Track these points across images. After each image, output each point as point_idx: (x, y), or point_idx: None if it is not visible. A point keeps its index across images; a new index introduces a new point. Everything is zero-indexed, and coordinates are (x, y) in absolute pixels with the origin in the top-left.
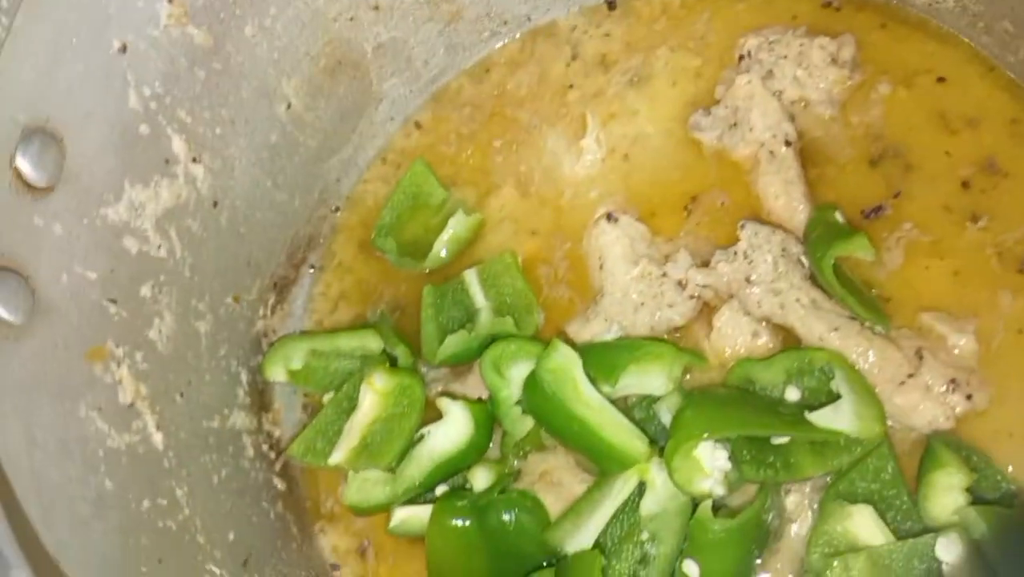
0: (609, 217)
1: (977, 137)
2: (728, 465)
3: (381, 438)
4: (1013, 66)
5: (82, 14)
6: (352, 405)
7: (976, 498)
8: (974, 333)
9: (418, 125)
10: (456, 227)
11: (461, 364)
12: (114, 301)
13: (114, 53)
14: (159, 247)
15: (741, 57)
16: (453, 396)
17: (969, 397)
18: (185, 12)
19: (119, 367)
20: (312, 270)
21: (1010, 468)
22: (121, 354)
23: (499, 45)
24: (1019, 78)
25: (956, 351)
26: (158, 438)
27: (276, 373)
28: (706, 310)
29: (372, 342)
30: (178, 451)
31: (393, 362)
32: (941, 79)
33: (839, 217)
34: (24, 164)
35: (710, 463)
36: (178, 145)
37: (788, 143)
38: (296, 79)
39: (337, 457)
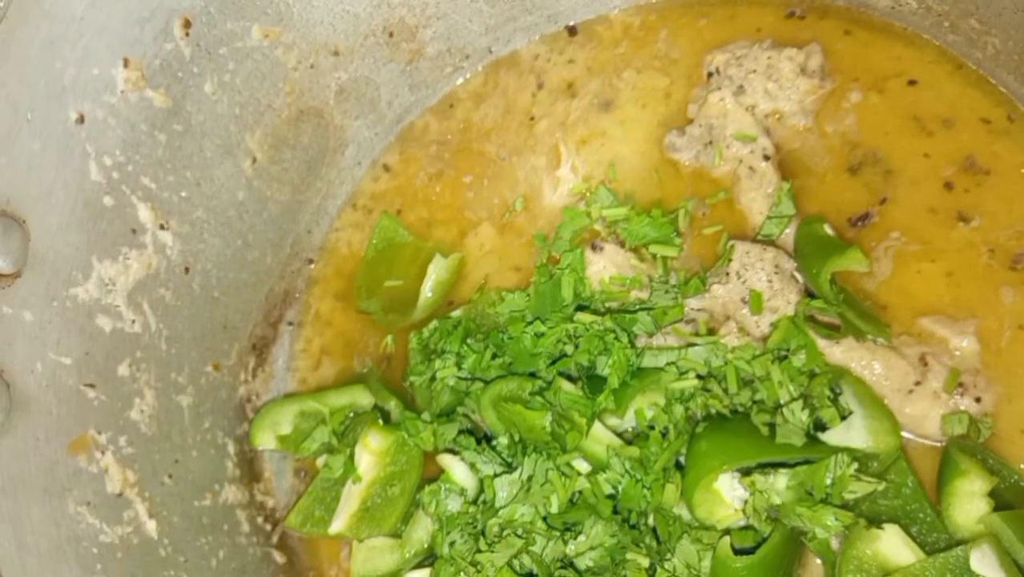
0: (594, 246)
1: (954, 137)
2: (747, 493)
3: (382, 500)
4: (981, 62)
5: (36, 88)
6: (348, 467)
7: (998, 502)
8: (975, 334)
9: (386, 168)
10: (437, 272)
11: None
12: (92, 385)
13: (71, 125)
14: (133, 322)
15: (710, 74)
16: (454, 450)
17: (978, 400)
18: (142, 75)
19: (103, 455)
20: (291, 327)
21: (1022, 465)
22: (104, 441)
23: (462, 80)
24: (989, 74)
25: (958, 353)
26: (151, 526)
27: (265, 440)
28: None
29: (362, 397)
30: (173, 537)
31: (386, 417)
32: (912, 82)
33: (828, 229)
34: None
35: (730, 493)
36: (144, 213)
37: (767, 157)
38: (259, 132)
39: (338, 525)
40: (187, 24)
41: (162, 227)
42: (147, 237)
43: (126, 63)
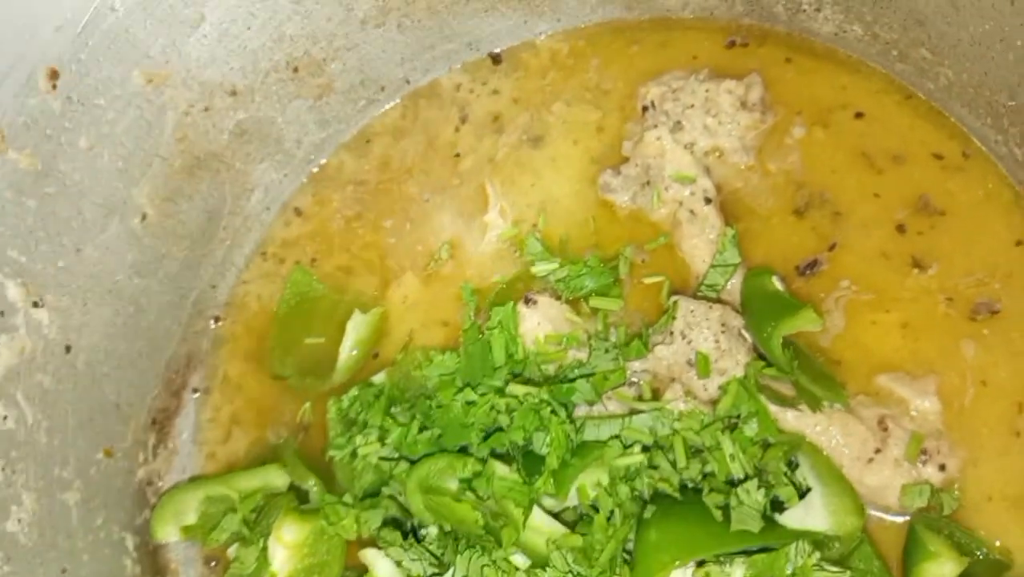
0: (527, 300)
1: (905, 174)
2: None
3: None
4: (932, 93)
5: None
6: (261, 562)
7: None
8: (935, 393)
9: (298, 212)
10: (356, 329)
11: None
12: None
13: None
14: (5, 418)
15: (645, 108)
16: (378, 544)
17: (942, 467)
18: (1, 137)
19: None
20: (196, 394)
21: (998, 542)
22: None
23: (378, 113)
24: (941, 105)
25: (916, 414)
26: None
27: (168, 533)
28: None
29: (276, 478)
30: None
31: (303, 497)
32: (859, 114)
33: (777, 283)
34: None
35: None
36: (13, 292)
37: (708, 200)
38: (148, 186)
39: None
40: (54, 75)
41: (35, 304)
42: (18, 318)
43: None
